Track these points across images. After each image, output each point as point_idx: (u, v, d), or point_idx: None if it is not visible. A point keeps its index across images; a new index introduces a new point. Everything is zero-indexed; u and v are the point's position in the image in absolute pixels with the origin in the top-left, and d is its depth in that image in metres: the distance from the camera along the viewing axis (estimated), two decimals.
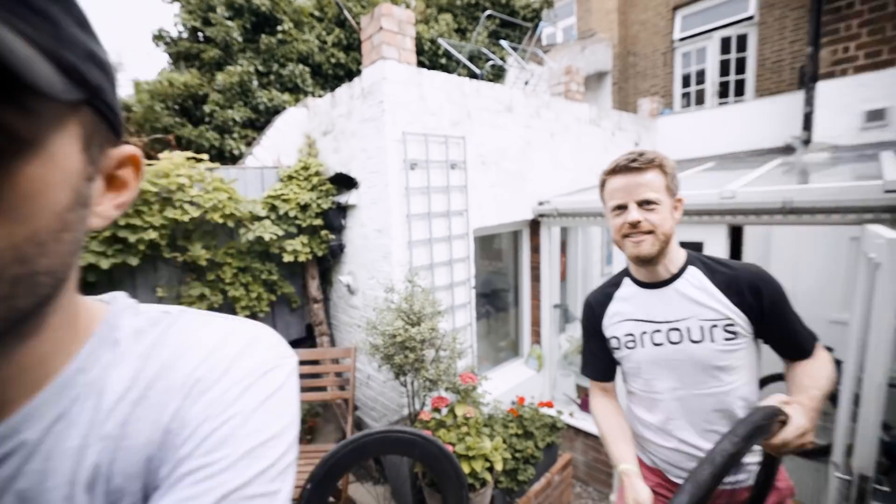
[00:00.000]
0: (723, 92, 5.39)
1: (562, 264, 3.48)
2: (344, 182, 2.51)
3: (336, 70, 4.69)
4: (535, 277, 3.19)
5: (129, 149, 0.35)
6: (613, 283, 1.12)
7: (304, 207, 2.48)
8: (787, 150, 3.75)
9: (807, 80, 3.39)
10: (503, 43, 3.69)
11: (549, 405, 2.64)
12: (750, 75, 5.22)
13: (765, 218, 2.19)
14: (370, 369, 2.54)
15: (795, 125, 3.63)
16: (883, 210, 1.87)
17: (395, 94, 2.03)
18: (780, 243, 3.43)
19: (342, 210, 2.51)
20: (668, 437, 1.04)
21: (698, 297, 0.98)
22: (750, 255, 3.89)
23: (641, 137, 4.29)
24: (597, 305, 1.13)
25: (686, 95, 5.69)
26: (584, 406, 3.17)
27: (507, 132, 2.68)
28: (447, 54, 4.74)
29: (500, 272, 3.33)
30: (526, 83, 3.53)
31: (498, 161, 2.63)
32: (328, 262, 2.68)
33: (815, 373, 0.94)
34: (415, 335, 1.86)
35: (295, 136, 2.77)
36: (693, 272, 1.00)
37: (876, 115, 3.04)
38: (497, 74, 5.16)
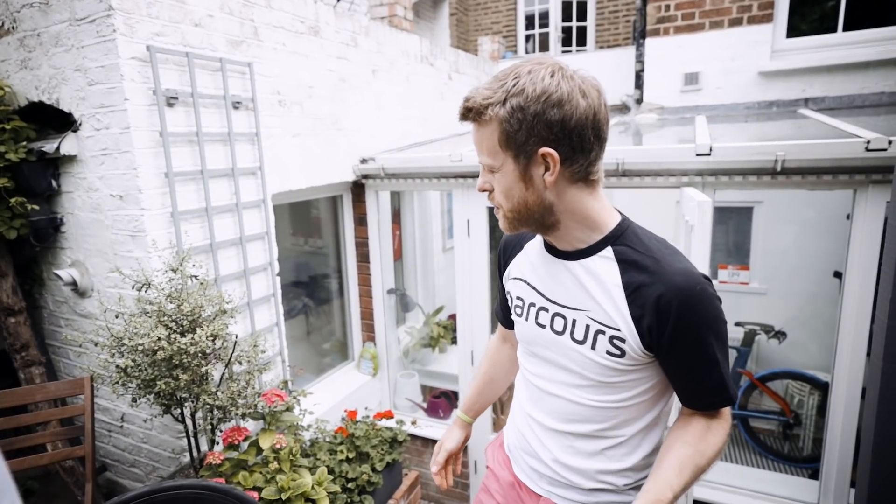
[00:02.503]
0: (566, 39, 6.28)
1: (396, 239, 3.61)
2: (49, 119, 2.07)
3: None
4: (363, 257, 3.24)
5: None
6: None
7: None
8: (623, 108, 4.62)
9: (637, 35, 4.20)
10: None
11: (389, 415, 2.77)
12: (591, 23, 6.20)
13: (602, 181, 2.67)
14: (123, 406, 2.25)
15: (629, 82, 4.49)
16: (696, 173, 2.48)
17: None
18: (620, 209, 4.25)
19: (51, 164, 2.09)
20: (524, 418, 1.14)
21: (595, 290, 0.94)
22: None
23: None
24: (507, 248, 1.16)
25: (530, 38, 6.45)
26: (432, 410, 3.42)
27: (313, 63, 2.60)
28: None
29: (320, 252, 3.29)
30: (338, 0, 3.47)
31: (302, 101, 2.54)
32: (31, 248, 2.22)
33: (687, 450, 0.92)
34: (187, 346, 1.70)
35: None
36: (606, 256, 0.94)
37: (691, 79, 3.99)
38: None
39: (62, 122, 2.05)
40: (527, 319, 1.06)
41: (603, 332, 0.93)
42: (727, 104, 3.89)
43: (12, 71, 2.09)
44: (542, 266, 1.03)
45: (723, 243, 4.10)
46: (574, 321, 0.97)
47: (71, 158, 2.04)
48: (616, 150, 2.60)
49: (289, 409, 2.15)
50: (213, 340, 1.80)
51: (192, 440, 1.99)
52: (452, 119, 4.22)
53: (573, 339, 0.97)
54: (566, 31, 6.23)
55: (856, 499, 1.36)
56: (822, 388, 3.31)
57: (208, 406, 1.88)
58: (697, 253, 2.04)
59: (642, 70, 4.14)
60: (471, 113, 0.89)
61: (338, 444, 2.47)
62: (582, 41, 6.23)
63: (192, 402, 1.87)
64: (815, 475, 2.89)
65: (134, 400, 1.82)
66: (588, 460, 1.04)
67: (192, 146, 2.03)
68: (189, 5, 1.97)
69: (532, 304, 1.05)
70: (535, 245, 1.07)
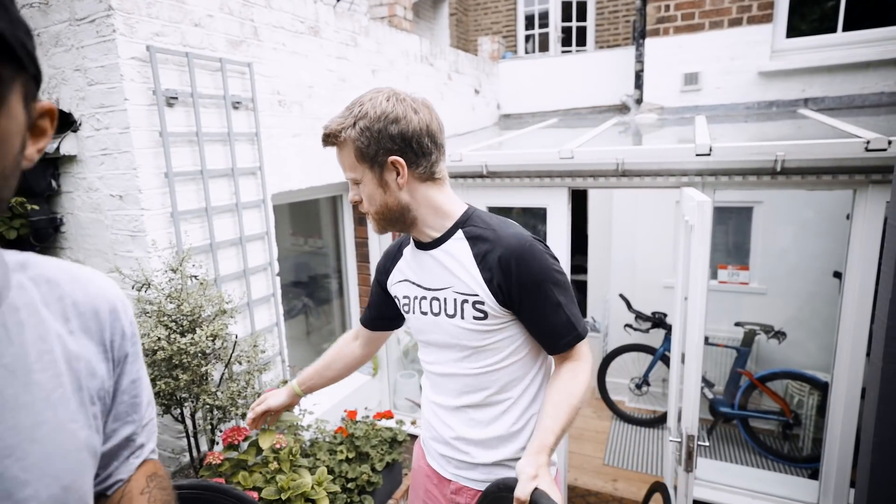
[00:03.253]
0: (566, 39, 6.28)
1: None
2: None
3: None
4: (363, 257, 3.24)
5: (47, 103, 0.55)
6: (407, 237, 1.27)
7: None
8: (623, 108, 4.62)
9: (637, 35, 4.20)
10: None
11: (389, 416, 2.77)
12: (590, 23, 6.19)
13: (601, 180, 2.68)
14: None
15: (629, 82, 4.49)
16: (696, 173, 2.48)
17: None
18: (621, 209, 4.25)
19: (50, 164, 2.08)
20: (430, 406, 1.30)
21: (454, 267, 1.12)
22: (594, 222, 4.73)
23: (482, 84, 4.70)
24: (388, 258, 1.32)
25: (530, 38, 6.45)
26: None
27: (312, 62, 2.60)
28: None
29: (320, 252, 3.29)
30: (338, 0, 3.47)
31: (302, 101, 2.54)
32: (31, 248, 2.21)
33: (558, 397, 1.09)
34: (186, 347, 1.70)
35: None
36: (458, 238, 1.12)
37: (691, 79, 3.98)
38: None
39: (62, 122, 2.05)
40: (414, 312, 1.22)
41: (467, 301, 1.11)
42: (727, 104, 3.89)
43: None
44: (415, 261, 1.20)
45: (722, 243, 4.10)
46: (445, 299, 1.14)
47: (71, 158, 2.04)
48: (616, 150, 2.60)
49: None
50: (212, 340, 1.80)
51: (192, 440, 1.99)
52: (452, 119, 4.23)
53: (447, 314, 1.14)
54: (566, 32, 6.22)
55: (856, 499, 1.36)
56: (822, 389, 3.31)
57: (208, 406, 1.88)
58: (697, 252, 2.03)
59: (642, 70, 4.14)
60: (329, 138, 1.08)
61: (337, 444, 2.47)
62: (582, 41, 6.22)
63: (192, 402, 1.87)
64: (814, 475, 2.89)
65: None
66: (486, 429, 1.19)
67: (191, 146, 2.03)
68: (189, 5, 1.97)
69: (415, 297, 1.20)
70: (409, 247, 1.23)
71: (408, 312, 1.24)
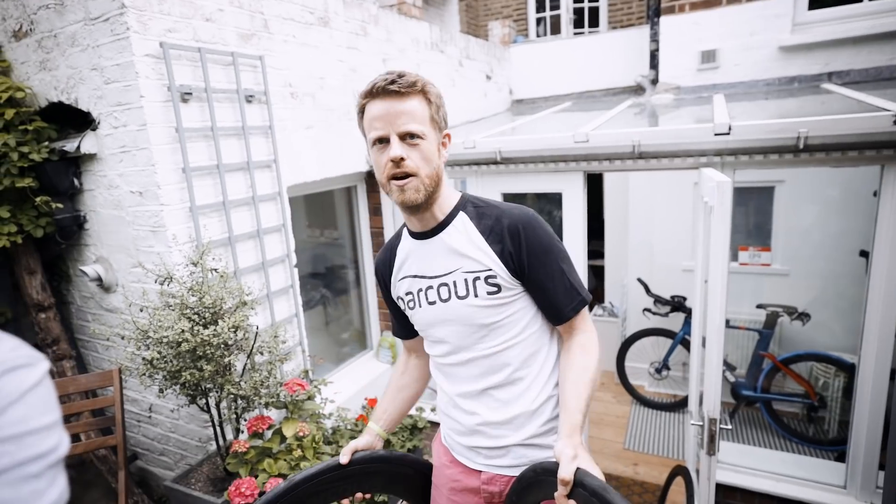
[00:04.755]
0: (578, 21, 6.16)
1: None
2: (69, 119, 2.11)
3: None
4: (379, 246, 3.25)
5: None
6: (397, 236, 1.27)
7: None
8: (638, 89, 4.53)
9: (651, 13, 4.11)
10: None
11: None
12: (603, 3, 6.07)
13: (617, 163, 2.63)
14: (151, 397, 2.31)
15: (644, 63, 4.40)
16: (715, 153, 2.43)
17: None
18: (637, 192, 4.19)
19: (72, 163, 2.12)
20: (449, 401, 1.26)
21: (463, 247, 1.12)
22: (610, 206, 4.67)
23: (493, 69, 4.65)
24: (382, 265, 1.30)
25: (541, 21, 6.34)
26: None
27: (323, 53, 2.60)
28: None
29: (336, 243, 3.31)
30: None
31: (314, 93, 2.54)
32: (57, 245, 2.27)
33: (574, 375, 1.09)
34: (209, 338, 1.73)
35: None
36: (461, 218, 1.14)
37: (708, 57, 3.89)
38: None
39: (81, 121, 2.09)
40: (420, 306, 1.20)
41: (479, 278, 1.11)
42: (746, 81, 3.79)
43: (32, 73, 2.13)
44: (416, 253, 1.19)
45: (743, 224, 4.01)
46: (455, 282, 1.14)
47: (91, 157, 2.07)
48: (631, 131, 2.56)
49: (310, 398, 2.18)
50: (234, 332, 1.83)
51: (218, 429, 2.03)
52: (464, 106, 4.19)
53: (458, 296, 1.13)
54: (578, 13, 6.10)
55: (885, 480, 1.33)
56: (849, 370, 3.24)
57: (232, 396, 1.92)
58: (717, 234, 2.00)
59: (657, 49, 4.05)
60: (415, 86, 1.04)
61: (359, 432, 2.51)
62: (594, 22, 6.10)
63: (217, 391, 1.91)
64: (841, 457, 2.85)
65: (161, 391, 1.86)
66: (510, 408, 1.17)
67: (207, 141, 2.05)
68: (199, 0, 1.97)
69: (419, 290, 1.19)
70: (405, 244, 1.23)
71: (413, 308, 1.22)
